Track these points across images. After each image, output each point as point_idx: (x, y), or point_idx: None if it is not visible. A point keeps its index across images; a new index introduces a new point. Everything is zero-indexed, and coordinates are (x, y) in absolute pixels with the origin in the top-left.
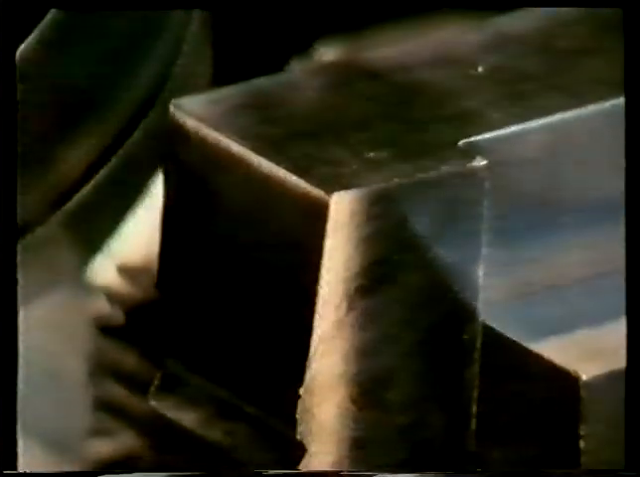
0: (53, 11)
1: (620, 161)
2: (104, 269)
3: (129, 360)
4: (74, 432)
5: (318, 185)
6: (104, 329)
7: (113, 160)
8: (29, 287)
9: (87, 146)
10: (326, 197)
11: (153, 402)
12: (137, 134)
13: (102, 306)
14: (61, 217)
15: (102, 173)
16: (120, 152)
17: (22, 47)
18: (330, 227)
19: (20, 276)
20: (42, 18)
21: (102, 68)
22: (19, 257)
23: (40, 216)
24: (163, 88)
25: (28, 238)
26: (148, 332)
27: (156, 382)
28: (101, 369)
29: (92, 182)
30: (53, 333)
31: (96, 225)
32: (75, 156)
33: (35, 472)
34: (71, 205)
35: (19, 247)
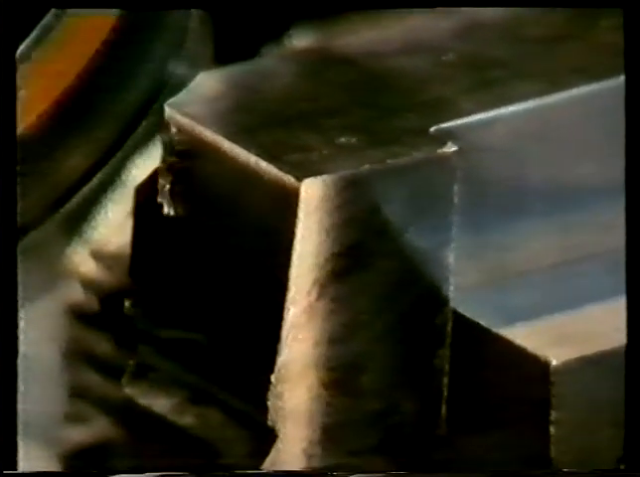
0: (53, 11)
1: (590, 147)
2: (79, 257)
3: (103, 347)
4: (49, 418)
5: (289, 171)
6: (79, 316)
7: (113, 161)
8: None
9: (87, 147)
10: (297, 183)
11: (126, 389)
12: (137, 135)
13: (77, 293)
14: (60, 217)
15: (102, 173)
16: (119, 154)
17: (22, 47)
18: (301, 212)
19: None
20: (42, 18)
21: (102, 68)
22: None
23: (39, 216)
24: (162, 90)
25: (28, 239)
26: (122, 319)
27: (129, 368)
28: (76, 356)
29: (92, 182)
30: (28, 320)
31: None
32: (74, 157)
33: (35, 472)
34: (70, 205)
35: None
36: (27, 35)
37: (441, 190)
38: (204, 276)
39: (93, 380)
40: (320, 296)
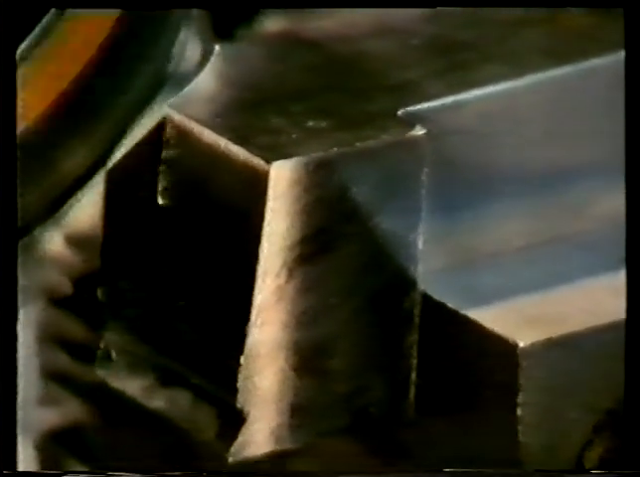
0: (52, 10)
1: (559, 130)
2: (52, 239)
3: (76, 329)
4: (22, 401)
5: (258, 154)
6: (52, 299)
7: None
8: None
9: (87, 147)
10: (266, 165)
11: (98, 372)
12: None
13: (51, 276)
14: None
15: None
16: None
17: (22, 47)
18: (270, 195)
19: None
20: (42, 18)
21: (102, 68)
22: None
23: (39, 216)
24: (160, 90)
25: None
26: (94, 301)
27: (101, 351)
28: (49, 338)
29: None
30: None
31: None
32: (74, 157)
33: (35, 472)
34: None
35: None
36: (27, 35)
37: (410, 173)
38: (175, 259)
39: (66, 362)
40: (289, 279)
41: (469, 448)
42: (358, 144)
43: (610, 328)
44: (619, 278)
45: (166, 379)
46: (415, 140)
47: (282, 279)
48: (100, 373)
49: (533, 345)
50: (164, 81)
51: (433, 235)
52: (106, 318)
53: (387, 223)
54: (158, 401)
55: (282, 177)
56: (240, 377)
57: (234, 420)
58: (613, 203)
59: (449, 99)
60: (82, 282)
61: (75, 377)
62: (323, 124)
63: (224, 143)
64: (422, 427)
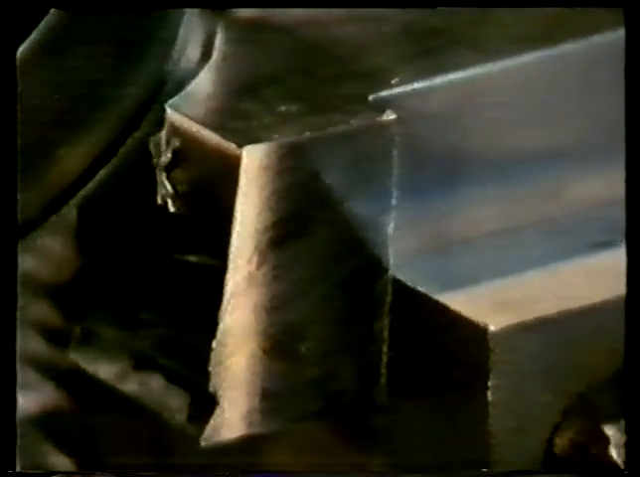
0: (53, 11)
1: (529, 115)
2: None
3: (50, 314)
4: None
5: (230, 138)
6: (27, 285)
7: (113, 161)
8: None
9: (87, 147)
10: (238, 150)
11: (72, 356)
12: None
13: (29, 262)
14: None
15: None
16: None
17: (22, 47)
18: (242, 179)
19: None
20: (42, 18)
21: (102, 68)
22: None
23: (39, 216)
24: (162, 89)
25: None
26: (69, 287)
27: (75, 335)
28: (25, 323)
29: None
30: None
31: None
32: (74, 157)
33: (35, 472)
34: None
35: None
36: (27, 35)
37: (381, 157)
38: (148, 243)
39: (41, 347)
40: (260, 264)
41: (440, 432)
42: (329, 129)
43: (582, 312)
44: (591, 262)
45: (139, 363)
46: (386, 125)
47: (254, 264)
48: (74, 357)
49: (503, 329)
50: (165, 81)
51: (404, 219)
52: (82, 303)
53: (358, 207)
54: (131, 385)
55: (254, 161)
56: (212, 361)
57: (206, 405)
58: (584, 187)
59: (419, 85)
60: (60, 269)
61: (49, 362)
62: (294, 109)
63: (196, 128)
64: (394, 411)
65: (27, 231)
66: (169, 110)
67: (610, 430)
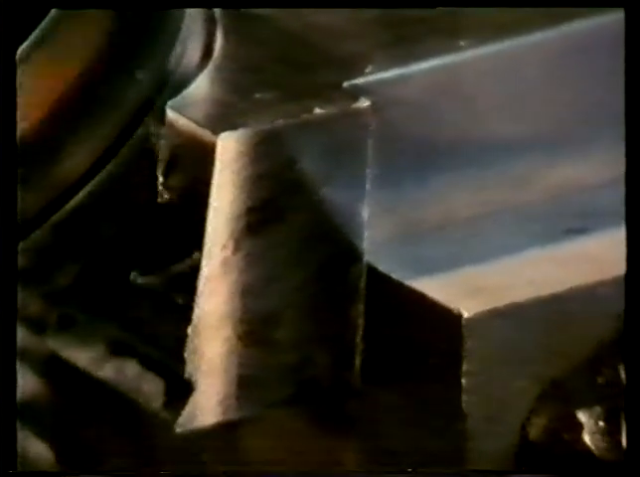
0: (53, 11)
1: (503, 103)
2: None
3: (29, 301)
4: None
5: (205, 125)
6: None
7: (113, 162)
8: None
9: (87, 148)
10: (213, 136)
11: (49, 342)
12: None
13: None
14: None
15: (102, 174)
16: (122, 152)
17: (22, 47)
18: (217, 166)
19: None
20: (42, 18)
21: (103, 69)
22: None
23: (39, 217)
24: (162, 90)
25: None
26: (46, 273)
27: (52, 321)
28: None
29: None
30: None
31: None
32: (75, 157)
33: (35, 472)
34: (69, 206)
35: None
36: (27, 36)
37: (355, 144)
38: (124, 228)
39: (18, 333)
40: (236, 250)
41: (415, 417)
42: (304, 116)
43: (554, 298)
44: (563, 249)
45: (115, 349)
46: (360, 112)
47: (229, 250)
48: (51, 343)
49: (477, 315)
50: (165, 81)
51: (379, 206)
52: (59, 290)
53: (332, 194)
54: (107, 372)
55: (229, 148)
56: (188, 347)
57: (181, 391)
58: (557, 174)
59: (394, 72)
60: (37, 256)
61: (26, 348)
62: (270, 96)
63: (171, 114)
64: (368, 397)
65: (27, 231)
66: (169, 110)
67: (584, 417)
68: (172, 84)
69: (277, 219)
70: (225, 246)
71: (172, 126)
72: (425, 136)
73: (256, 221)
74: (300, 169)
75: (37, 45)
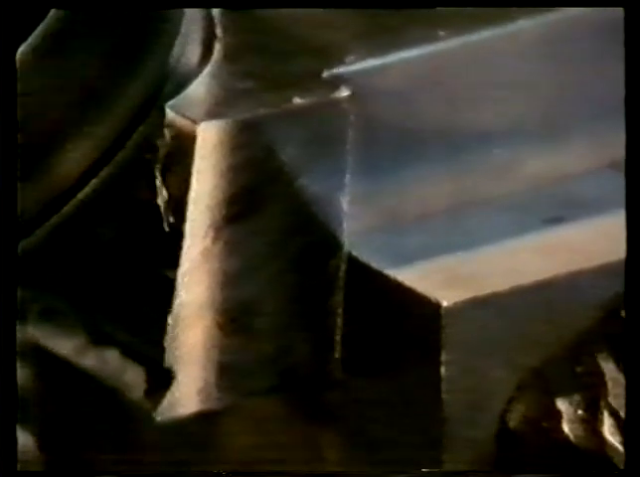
0: (53, 11)
1: (483, 92)
2: None
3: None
4: None
5: (185, 114)
6: None
7: (113, 162)
8: None
9: (87, 148)
10: (193, 126)
11: (31, 331)
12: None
13: None
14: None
15: (102, 174)
16: (120, 154)
17: (22, 47)
18: (197, 155)
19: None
20: (42, 18)
21: (103, 69)
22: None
23: (40, 217)
24: (162, 90)
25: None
26: (30, 264)
27: (34, 311)
28: None
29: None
30: None
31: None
32: (74, 158)
33: (35, 472)
34: (69, 207)
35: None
36: (27, 35)
37: (335, 134)
38: (106, 219)
39: None
40: (215, 239)
41: (394, 407)
42: (283, 106)
43: (534, 287)
44: (543, 239)
45: (97, 338)
46: (340, 101)
47: (209, 240)
48: (34, 333)
49: (456, 304)
50: (166, 80)
51: (358, 196)
52: (42, 279)
53: (312, 184)
54: (89, 360)
55: (209, 138)
56: (168, 336)
57: (162, 380)
58: (537, 164)
59: (374, 61)
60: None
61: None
62: (250, 85)
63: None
64: (348, 386)
65: (27, 231)
66: (169, 111)
67: (563, 405)
68: (172, 84)
69: (257, 208)
70: (205, 235)
71: (172, 126)
72: (406, 126)
73: (236, 210)
74: (280, 158)
75: (37, 45)
